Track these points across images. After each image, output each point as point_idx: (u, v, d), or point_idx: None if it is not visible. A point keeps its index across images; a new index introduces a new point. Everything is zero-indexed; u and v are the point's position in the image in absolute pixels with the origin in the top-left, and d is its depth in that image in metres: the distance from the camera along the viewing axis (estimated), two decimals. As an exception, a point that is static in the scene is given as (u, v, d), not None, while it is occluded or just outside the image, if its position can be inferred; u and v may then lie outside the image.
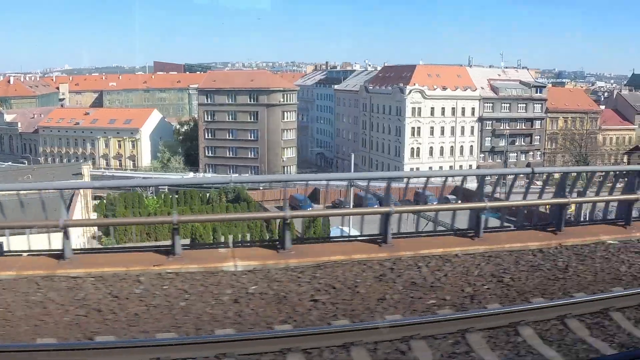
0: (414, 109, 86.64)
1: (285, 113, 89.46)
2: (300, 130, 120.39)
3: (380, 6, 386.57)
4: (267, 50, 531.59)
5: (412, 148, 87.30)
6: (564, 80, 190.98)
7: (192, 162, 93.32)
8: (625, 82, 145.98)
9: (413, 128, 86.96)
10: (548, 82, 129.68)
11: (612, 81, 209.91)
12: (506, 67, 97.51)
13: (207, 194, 65.91)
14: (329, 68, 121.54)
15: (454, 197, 58.45)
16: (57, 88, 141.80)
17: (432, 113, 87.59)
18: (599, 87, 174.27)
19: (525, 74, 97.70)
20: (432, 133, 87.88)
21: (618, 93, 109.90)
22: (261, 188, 68.04)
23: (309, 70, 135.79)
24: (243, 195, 64.52)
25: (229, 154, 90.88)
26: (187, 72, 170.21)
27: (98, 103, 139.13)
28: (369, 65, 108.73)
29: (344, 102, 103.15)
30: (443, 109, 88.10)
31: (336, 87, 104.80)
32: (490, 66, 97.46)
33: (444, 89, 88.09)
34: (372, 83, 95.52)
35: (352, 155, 61.88)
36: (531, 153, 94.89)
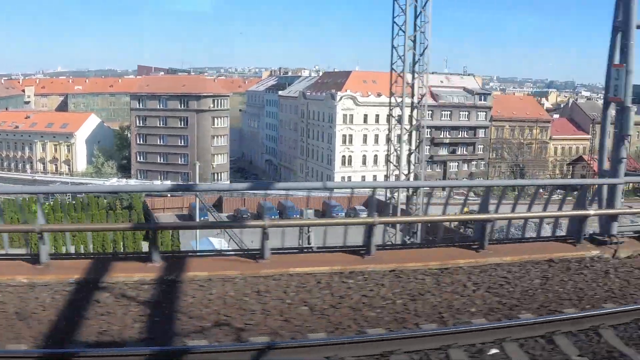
0: (345, 115, 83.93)
1: (215, 119, 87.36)
2: (251, 137, 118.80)
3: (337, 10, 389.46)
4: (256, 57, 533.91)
5: (344, 156, 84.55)
6: (551, 90, 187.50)
7: (127, 168, 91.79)
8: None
9: (344, 135, 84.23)
10: (532, 91, 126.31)
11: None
12: (450, 74, 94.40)
13: (105, 200, 64.11)
14: (281, 74, 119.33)
15: (362, 207, 56.22)
16: (23, 91, 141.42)
17: (365, 120, 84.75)
18: (584, 96, 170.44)
19: (470, 81, 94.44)
20: (365, 141, 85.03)
21: (574, 102, 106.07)
22: (169, 195, 66.29)
23: (264, 76, 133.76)
24: (135, 203, 62.48)
25: (160, 160, 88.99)
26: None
27: (63, 106, 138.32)
28: (316, 71, 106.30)
29: (286, 108, 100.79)
30: (377, 116, 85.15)
31: (280, 93, 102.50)
32: (433, 72, 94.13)
33: (379, 95, 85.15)
34: (310, 89, 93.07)
35: (197, 165, 59.09)
36: (474, 162, 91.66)
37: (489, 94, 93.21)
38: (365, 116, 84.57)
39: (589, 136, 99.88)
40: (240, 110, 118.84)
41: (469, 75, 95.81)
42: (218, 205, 64.47)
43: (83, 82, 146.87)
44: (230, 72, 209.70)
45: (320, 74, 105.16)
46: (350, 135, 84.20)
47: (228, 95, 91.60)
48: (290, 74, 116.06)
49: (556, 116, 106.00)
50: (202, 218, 50.79)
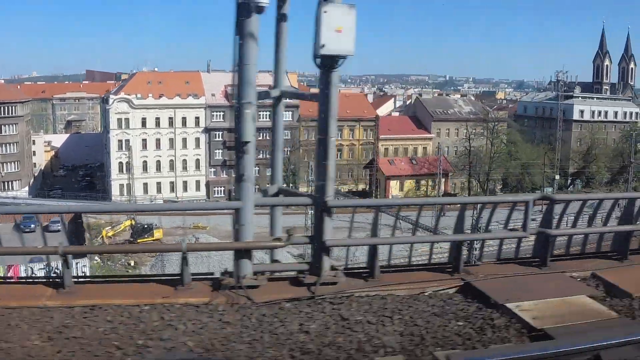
0: (120, 120, 79.11)
1: (2, 126, 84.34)
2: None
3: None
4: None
5: (121, 162, 79.77)
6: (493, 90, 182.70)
7: None
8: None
9: (120, 141, 79.47)
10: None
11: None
12: (259, 71, 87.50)
13: None
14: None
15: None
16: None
17: (144, 124, 79.69)
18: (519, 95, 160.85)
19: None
20: (144, 146, 79.95)
21: (417, 98, 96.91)
22: None
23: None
24: None
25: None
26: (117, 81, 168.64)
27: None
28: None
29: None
30: (157, 119, 79.98)
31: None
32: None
33: (160, 97, 80.00)
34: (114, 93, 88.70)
35: None
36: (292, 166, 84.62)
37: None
38: (144, 119, 79.48)
39: (432, 135, 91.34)
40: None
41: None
42: None
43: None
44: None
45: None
46: (127, 140, 79.31)
47: (21, 102, 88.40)
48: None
49: (395, 114, 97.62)
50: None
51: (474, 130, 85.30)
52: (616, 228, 8.80)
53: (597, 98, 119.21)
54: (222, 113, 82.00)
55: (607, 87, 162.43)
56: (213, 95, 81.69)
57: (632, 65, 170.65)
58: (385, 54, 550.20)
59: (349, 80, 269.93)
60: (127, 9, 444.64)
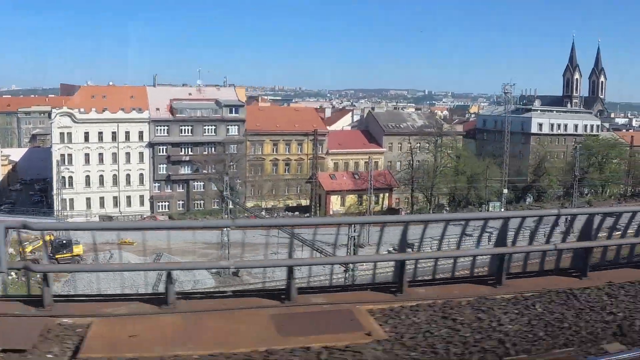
0: (62, 134, 78.79)
1: None
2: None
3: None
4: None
5: (64, 177, 79.22)
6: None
7: None
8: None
9: (63, 155, 79.02)
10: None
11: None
12: (206, 85, 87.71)
13: None
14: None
15: None
16: None
17: (86, 138, 79.31)
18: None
19: (228, 92, 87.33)
20: (88, 161, 79.54)
21: (370, 112, 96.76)
22: None
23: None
24: None
25: None
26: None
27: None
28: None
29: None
30: (100, 133, 79.63)
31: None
32: (183, 85, 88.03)
33: (103, 111, 79.73)
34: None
35: None
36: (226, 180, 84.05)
37: (242, 106, 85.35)
38: (86, 134, 79.14)
39: (384, 149, 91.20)
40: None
41: (229, 86, 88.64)
42: None
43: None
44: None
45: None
46: (70, 155, 78.90)
47: None
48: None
49: (347, 127, 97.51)
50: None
51: (418, 145, 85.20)
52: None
53: (557, 111, 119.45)
54: (166, 127, 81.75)
55: (577, 101, 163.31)
56: (157, 109, 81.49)
57: (602, 78, 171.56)
58: (366, 68, 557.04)
59: (328, 95, 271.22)
60: (110, 22, 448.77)
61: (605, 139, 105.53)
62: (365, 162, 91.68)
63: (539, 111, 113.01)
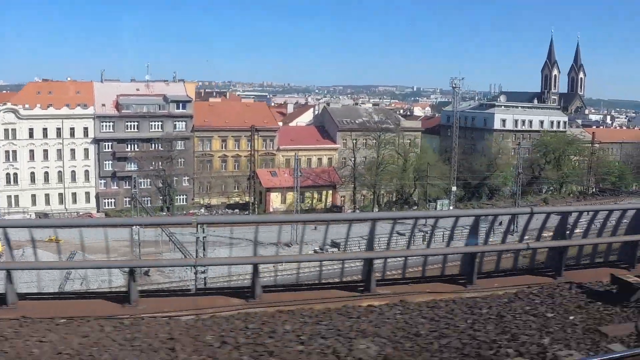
0: (6, 130, 79.02)
1: None
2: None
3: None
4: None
5: (8, 174, 79.57)
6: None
7: None
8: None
9: (7, 152, 79.29)
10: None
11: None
12: (154, 81, 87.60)
13: None
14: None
15: None
16: None
17: (31, 135, 79.48)
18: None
19: (177, 87, 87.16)
20: (32, 157, 79.74)
21: (325, 107, 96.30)
22: None
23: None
24: None
25: None
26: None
27: None
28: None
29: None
30: (45, 129, 79.81)
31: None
32: (132, 80, 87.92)
33: (48, 107, 79.89)
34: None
35: None
36: (175, 178, 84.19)
37: (189, 102, 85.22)
38: (31, 130, 79.32)
39: (338, 145, 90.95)
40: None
41: (179, 81, 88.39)
42: None
43: None
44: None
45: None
46: (14, 151, 79.13)
47: None
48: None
49: (302, 123, 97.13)
50: None
51: (364, 141, 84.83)
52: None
53: (522, 107, 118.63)
54: (112, 123, 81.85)
55: (556, 97, 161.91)
56: (103, 105, 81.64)
57: (581, 75, 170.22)
58: (355, 65, 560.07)
59: (317, 90, 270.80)
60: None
61: (562, 135, 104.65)
62: (318, 159, 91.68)
63: (502, 107, 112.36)
